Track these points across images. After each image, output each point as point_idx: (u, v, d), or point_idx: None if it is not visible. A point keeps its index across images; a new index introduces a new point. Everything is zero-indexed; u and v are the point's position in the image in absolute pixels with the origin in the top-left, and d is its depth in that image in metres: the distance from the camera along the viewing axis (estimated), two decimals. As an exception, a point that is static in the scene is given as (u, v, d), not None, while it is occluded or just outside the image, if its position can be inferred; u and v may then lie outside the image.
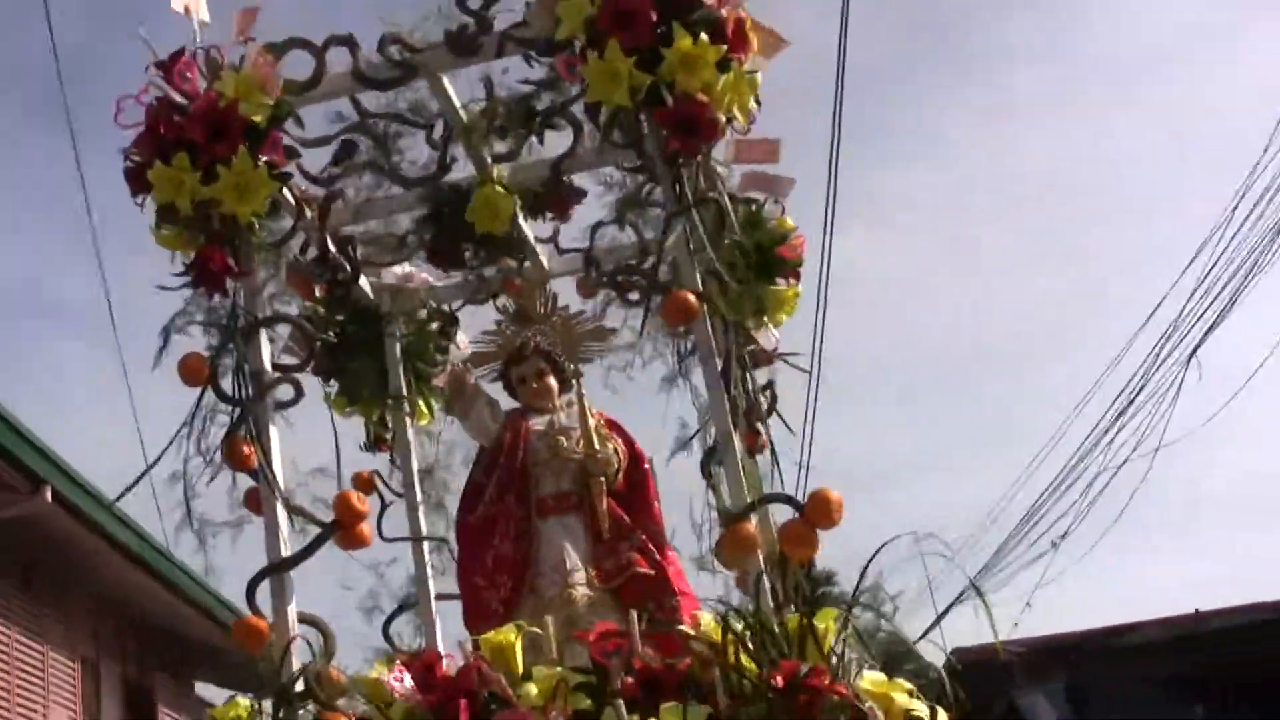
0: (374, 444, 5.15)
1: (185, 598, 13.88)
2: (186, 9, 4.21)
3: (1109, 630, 16.94)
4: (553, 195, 4.81)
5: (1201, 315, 12.35)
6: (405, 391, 5.14)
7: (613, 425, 4.76)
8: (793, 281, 4.72)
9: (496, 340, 4.94)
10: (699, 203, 3.91)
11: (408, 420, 5.15)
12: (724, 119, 3.99)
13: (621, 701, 3.54)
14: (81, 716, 13.16)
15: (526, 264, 5.04)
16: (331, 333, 4.97)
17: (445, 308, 5.30)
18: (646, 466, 4.76)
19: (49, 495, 10.86)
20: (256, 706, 3.81)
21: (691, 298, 3.83)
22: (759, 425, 4.35)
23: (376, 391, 5.10)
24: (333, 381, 5.13)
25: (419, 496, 4.97)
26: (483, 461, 4.70)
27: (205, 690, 17.40)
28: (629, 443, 4.75)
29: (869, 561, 3.62)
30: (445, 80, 4.43)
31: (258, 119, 4.12)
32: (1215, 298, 12.16)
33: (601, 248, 4.93)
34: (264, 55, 4.18)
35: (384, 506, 4.84)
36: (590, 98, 3.98)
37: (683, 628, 3.72)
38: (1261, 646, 15.08)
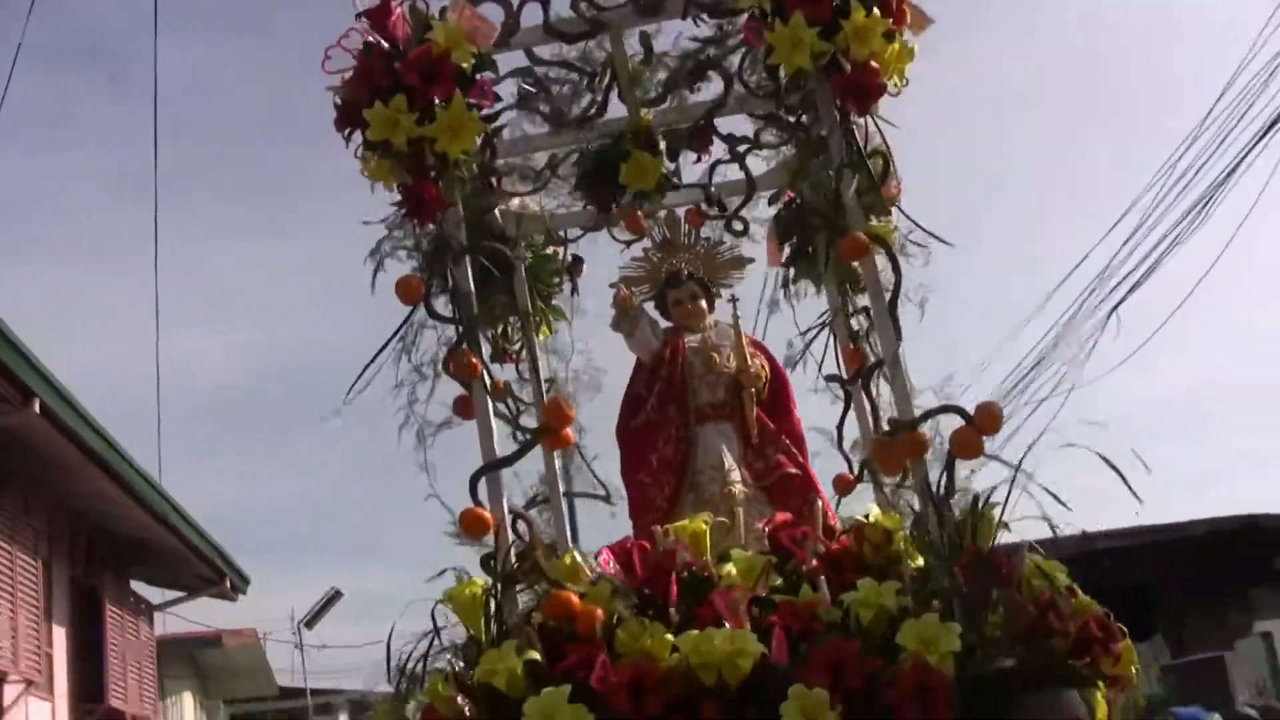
0: (499, 356, 5.66)
1: (142, 503, 14.32)
2: None
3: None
4: (699, 136, 5.35)
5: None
6: (530, 309, 5.65)
7: (757, 345, 5.39)
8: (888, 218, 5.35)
9: (645, 266, 5.53)
10: (872, 154, 4.51)
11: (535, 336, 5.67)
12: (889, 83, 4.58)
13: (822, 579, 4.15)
14: (41, 615, 13.57)
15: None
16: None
17: (562, 234, 5.81)
18: (787, 382, 5.37)
19: (37, 408, 11.25)
20: (491, 587, 4.31)
21: (864, 238, 4.45)
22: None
23: (505, 309, 5.61)
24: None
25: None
26: (642, 375, 5.29)
27: (139, 586, 17.90)
28: (771, 360, 5.37)
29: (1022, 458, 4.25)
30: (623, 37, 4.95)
31: (465, 66, 4.60)
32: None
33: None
34: (468, 7, 4.67)
35: (518, 413, 5.37)
36: (774, 60, 4.59)
37: (866, 518, 4.33)
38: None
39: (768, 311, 5.52)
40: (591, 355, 5.26)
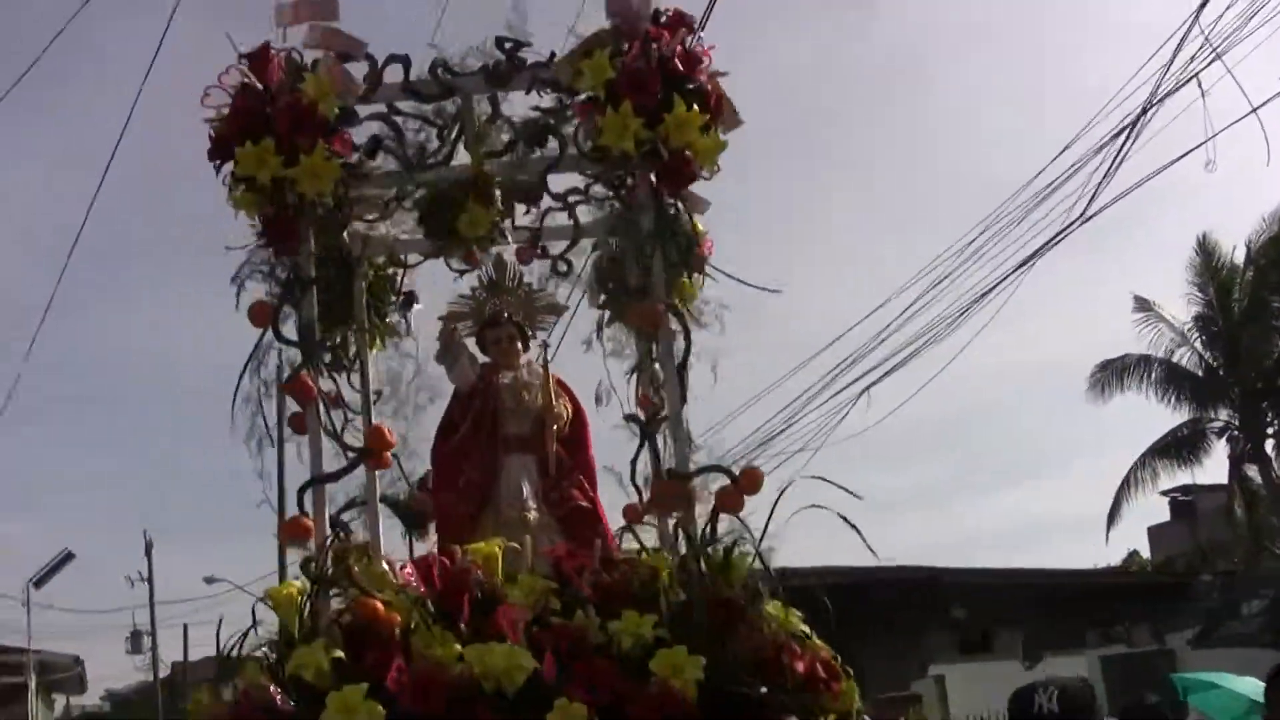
0: (336, 364, 6.28)
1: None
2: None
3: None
4: (532, 191, 6.05)
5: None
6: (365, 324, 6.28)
7: (562, 385, 6.12)
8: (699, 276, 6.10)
9: (470, 303, 6.21)
10: (678, 232, 5.29)
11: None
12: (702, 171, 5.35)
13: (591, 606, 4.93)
14: None
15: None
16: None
17: (402, 257, 6.44)
18: (585, 421, 6.12)
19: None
20: (308, 589, 5.00)
21: (658, 308, 5.25)
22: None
23: (341, 321, 6.23)
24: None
25: (373, 414, 6.16)
26: (458, 403, 5.99)
27: None
28: (573, 400, 6.12)
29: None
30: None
31: (330, 116, 5.27)
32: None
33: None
34: (336, 64, 5.33)
35: (345, 420, 6.01)
36: (604, 140, 5.34)
37: (631, 556, 5.14)
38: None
39: (584, 348, 6.25)
40: (425, 375, 5.92)
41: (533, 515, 5.78)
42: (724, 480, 5.20)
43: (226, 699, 5.09)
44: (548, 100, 5.76)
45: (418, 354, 6.13)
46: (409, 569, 5.39)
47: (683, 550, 5.29)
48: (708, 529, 5.21)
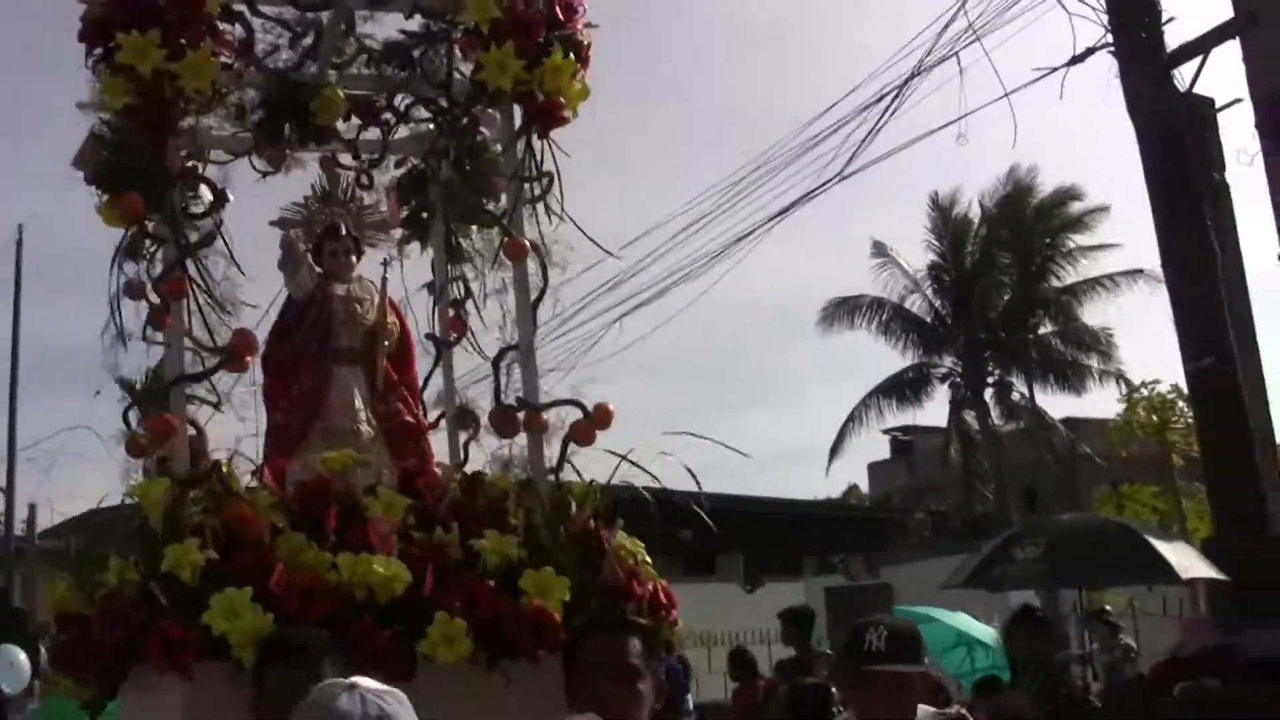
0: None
1: None
2: None
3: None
4: (367, 106, 6.16)
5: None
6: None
7: (393, 305, 6.24)
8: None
9: (303, 212, 6.24)
10: (544, 174, 5.58)
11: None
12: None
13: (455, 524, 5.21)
14: None
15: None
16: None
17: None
18: (411, 340, 6.29)
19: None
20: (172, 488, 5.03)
21: (526, 244, 5.54)
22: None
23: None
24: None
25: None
26: (292, 310, 6.01)
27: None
28: (400, 317, 6.27)
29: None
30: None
31: (214, 12, 5.26)
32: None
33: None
34: (220, -40, 5.32)
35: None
36: (482, 77, 5.59)
37: (490, 478, 5.44)
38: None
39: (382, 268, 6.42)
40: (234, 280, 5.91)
41: (364, 428, 5.92)
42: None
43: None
44: (414, 26, 5.91)
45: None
46: (266, 473, 5.48)
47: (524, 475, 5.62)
48: (559, 457, 5.57)
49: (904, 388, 38.07)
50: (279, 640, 4.55)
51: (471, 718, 4.87)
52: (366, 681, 3.16)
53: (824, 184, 16.34)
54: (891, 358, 38.05)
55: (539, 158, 5.70)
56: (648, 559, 5.52)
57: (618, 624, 4.93)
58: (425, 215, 6.59)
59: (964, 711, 5.06)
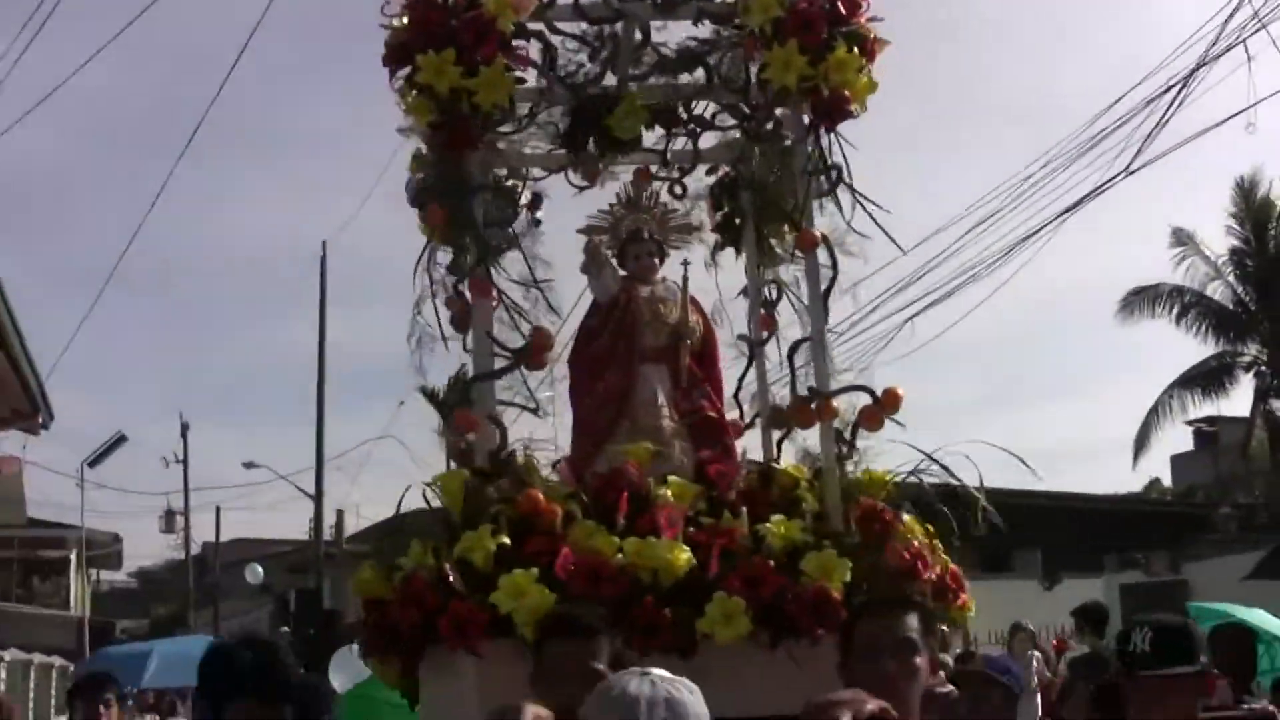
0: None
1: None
2: None
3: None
4: (670, 114, 6.38)
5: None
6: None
7: (695, 304, 6.45)
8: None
9: (609, 219, 6.52)
10: (832, 166, 5.64)
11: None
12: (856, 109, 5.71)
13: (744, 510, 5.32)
14: None
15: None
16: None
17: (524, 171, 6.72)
18: (715, 339, 6.48)
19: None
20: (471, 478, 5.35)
21: (817, 234, 5.62)
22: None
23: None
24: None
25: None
26: (598, 313, 6.29)
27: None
28: (705, 318, 6.47)
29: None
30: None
31: (506, 31, 5.56)
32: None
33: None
34: (512, -23, 5.62)
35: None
36: (767, 75, 5.67)
37: (780, 467, 5.53)
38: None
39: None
40: (551, 286, 6.22)
41: (667, 422, 6.12)
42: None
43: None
44: (704, 32, 6.11)
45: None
46: (563, 465, 5.75)
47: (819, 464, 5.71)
48: (848, 443, 5.64)
49: (1207, 377, 36.36)
50: (557, 616, 4.76)
51: (752, 695, 4.97)
52: (658, 670, 3.28)
53: (1111, 179, 15.84)
54: (1192, 347, 36.51)
55: (828, 152, 5.79)
56: (938, 541, 5.52)
57: (895, 601, 4.95)
58: (738, 221, 6.76)
59: (1272, 709, 4.82)
